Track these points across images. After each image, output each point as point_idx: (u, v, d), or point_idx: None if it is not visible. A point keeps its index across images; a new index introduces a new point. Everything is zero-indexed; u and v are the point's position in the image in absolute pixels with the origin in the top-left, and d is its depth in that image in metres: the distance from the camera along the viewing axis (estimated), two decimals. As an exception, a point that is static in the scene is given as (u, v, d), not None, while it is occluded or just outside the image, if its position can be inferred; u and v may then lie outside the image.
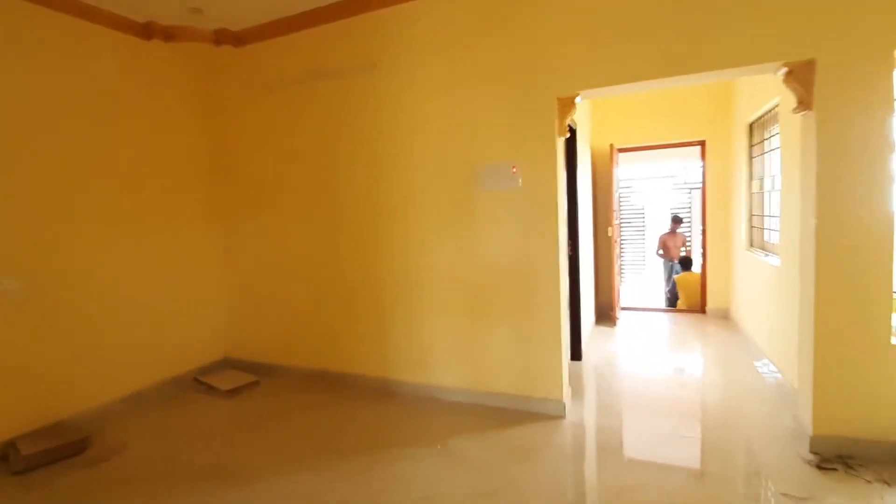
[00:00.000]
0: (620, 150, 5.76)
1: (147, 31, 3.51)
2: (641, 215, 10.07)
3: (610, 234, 5.52)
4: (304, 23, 3.49)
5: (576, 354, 4.09)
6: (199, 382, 3.87)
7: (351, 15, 3.36)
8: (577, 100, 2.90)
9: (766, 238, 4.19)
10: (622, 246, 8.28)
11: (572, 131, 3.91)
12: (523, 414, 3.08)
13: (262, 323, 4.12)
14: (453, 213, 3.24)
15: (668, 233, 7.52)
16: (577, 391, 3.47)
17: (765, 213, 4.21)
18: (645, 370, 4.01)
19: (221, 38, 3.70)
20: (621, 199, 7.91)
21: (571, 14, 2.81)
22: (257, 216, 4.02)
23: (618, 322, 5.46)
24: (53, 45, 3.05)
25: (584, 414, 3.11)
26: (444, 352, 3.36)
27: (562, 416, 3.02)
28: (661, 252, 7.49)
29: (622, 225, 8.48)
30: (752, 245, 4.61)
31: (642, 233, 9.94)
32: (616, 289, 5.52)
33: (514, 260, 3.09)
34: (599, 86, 2.78)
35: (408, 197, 3.37)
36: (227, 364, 4.24)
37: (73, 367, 3.15)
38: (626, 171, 8.10)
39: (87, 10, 3.15)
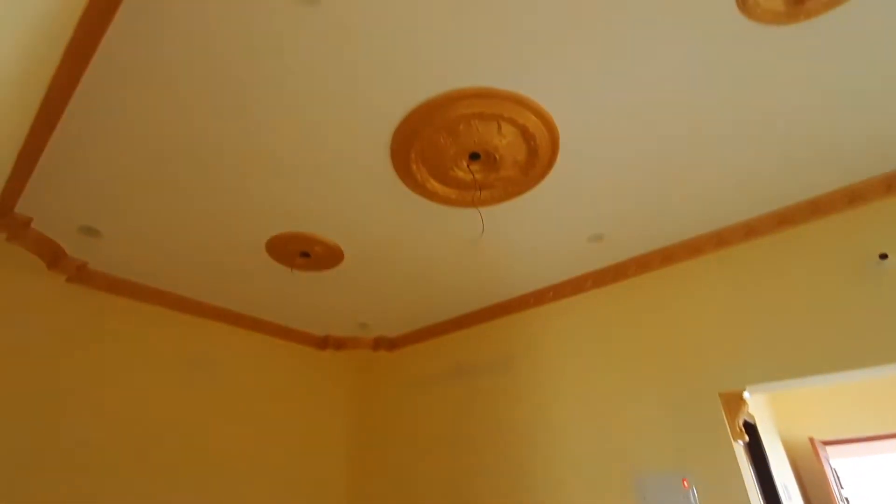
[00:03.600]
0: (826, 443, 4.53)
1: (323, 342, 4.22)
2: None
3: (856, 572, 3.83)
4: (449, 328, 3.91)
5: None
6: None
7: (490, 319, 3.68)
8: (746, 395, 2.47)
9: None
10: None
11: (750, 428, 3.24)
12: None
13: None
14: (611, 537, 2.59)
15: None
16: None
17: None
18: None
19: (379, 344, 4.28)
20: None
21: (728, 301, 2.67)
22: (390, 520, 3.70)
23: None
24: (253, 358, 3.76)
25: None
26: None
27: None
28: None
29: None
30: None
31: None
32: None
33: None
34: (771, 380, 2.39)
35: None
36: None
37: None
38: (848, 465, 6.19)
39: (283, 330, 3.97)
